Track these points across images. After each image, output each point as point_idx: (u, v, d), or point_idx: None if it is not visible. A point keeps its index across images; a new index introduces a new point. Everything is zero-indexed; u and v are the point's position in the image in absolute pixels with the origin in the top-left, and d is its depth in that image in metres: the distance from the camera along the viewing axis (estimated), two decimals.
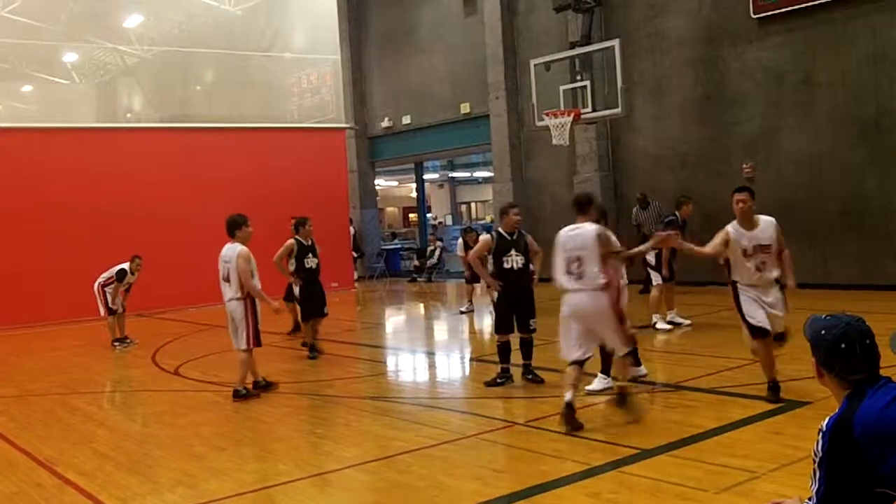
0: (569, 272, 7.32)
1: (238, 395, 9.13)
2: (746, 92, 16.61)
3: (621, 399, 7.51)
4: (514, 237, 9.32)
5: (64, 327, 17.00)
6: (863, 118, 15.03)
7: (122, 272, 13.93)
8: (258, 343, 9.42)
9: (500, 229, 9.54)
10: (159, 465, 6.95)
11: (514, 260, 9.18)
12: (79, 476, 6.64)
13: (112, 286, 13.90)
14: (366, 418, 8.22)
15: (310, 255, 12.19)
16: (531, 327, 9.20)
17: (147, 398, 10.37)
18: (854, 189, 15.19)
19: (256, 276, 9.49)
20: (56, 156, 18.31)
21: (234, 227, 9.65)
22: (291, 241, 12.25)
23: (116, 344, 13.93)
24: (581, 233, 7.40)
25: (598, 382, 8.52)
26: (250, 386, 9.47)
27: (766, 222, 7.90)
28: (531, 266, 9.38)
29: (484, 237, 9.77)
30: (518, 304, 9.18)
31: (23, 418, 9.07)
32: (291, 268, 12.29)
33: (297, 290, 12.26)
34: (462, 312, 15.86)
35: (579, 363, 7.35)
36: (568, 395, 7.06)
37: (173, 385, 10.62)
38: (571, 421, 6.95)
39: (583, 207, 7.64)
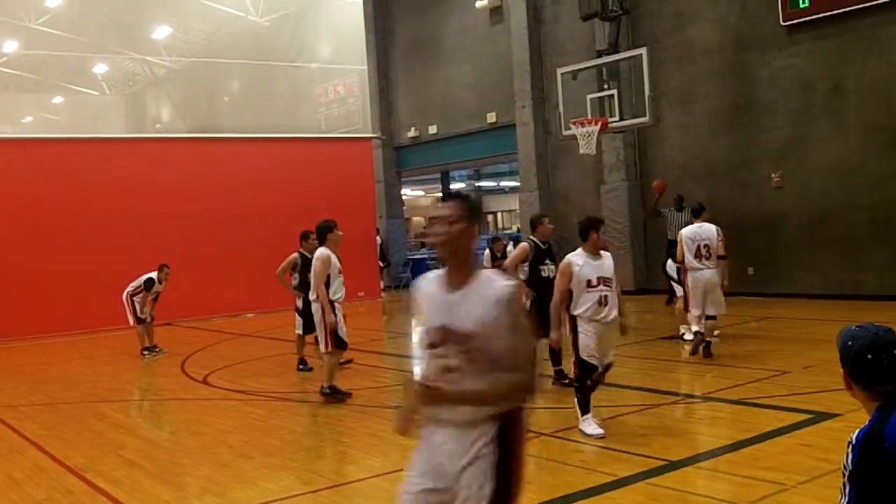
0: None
1: (323, 394, 9.33)
2: (775, 100, 16.50)
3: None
4: (547, 247, 9.52)
5: (92, 336, 17.14)
6: (893, 126, 14.88)
7: (150, 281, 14.02)
8: (339, 345, 9.44)
9: (534, 238, 9.59)
10: (187, 473, 6.98)
11: (549, 269, 9.29)
12: (108, 483, 6.69)
13: (140, 295, 14.01)
14: (392, 428, 8.22)
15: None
16: None
17: (175, 406, 10.44)
18: (884, 198, 15.03)
19: (338, 280, 9.50)
20: (85, 166, 18.50)
21: (326, 232, 9.52)
22: (295, 254, 12.16)
23: (145, 353, 14.02)
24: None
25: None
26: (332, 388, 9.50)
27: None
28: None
29: (523, 245, 9.75)
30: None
31: (53, 426, 9.15)
32: (295, 282, 12.08)
33: (299, 303, 11.91)
34: None
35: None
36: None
37: (201, 393, 10.68)
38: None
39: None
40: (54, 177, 18.07)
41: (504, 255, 14.18)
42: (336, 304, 9.42)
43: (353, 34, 24.12)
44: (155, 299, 14.28)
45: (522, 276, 9.43)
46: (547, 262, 9.37)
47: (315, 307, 9.51)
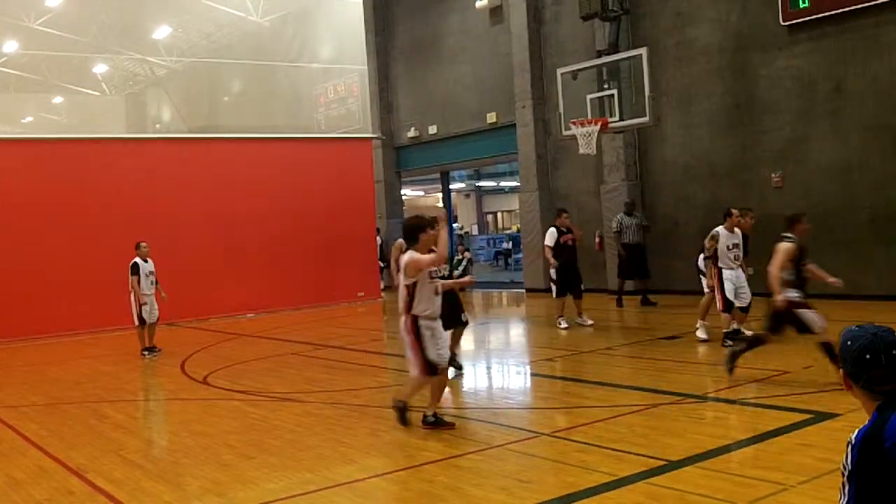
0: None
1: (426, 422, 7.79)
2: (776, 100, 16.50)
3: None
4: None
5: (93, 336, 17.16)
6: (894, 126, 14.87)
7: (134, 265, 14.04)
8: (430, 371, 7.73)
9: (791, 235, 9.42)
10: (188, 474, 6.99)
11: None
12: (109, 483, 6.70)
13: (132, 281, 13.98)
14: (392, 428, 8.22)
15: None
16: None
17: (176, 407, 10.45)
18: (885, 198, 15.03)
19: (425, 290, 7.81)
20: (85, 166, 18.52)
21: (418, 231, 7.77)
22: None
23: (145, 353, 14.04)
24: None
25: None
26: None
27: None
28: None
29: (789, 246, 9.16)
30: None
31: (54, 426, 9.16)
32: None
33: None
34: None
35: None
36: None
37: (202, 394, 10.68)
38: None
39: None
40: (54, 177, 18.09)
41: (569, 230, 14.42)
42: (427, 321, 7.80)
43: (354, 34, 24.14)
44: (154, 282, 14.21)
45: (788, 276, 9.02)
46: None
47: (401, 324, 7.82)
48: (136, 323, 14.15)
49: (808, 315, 8.56)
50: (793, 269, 8.91)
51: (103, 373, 13.04)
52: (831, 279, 9.29)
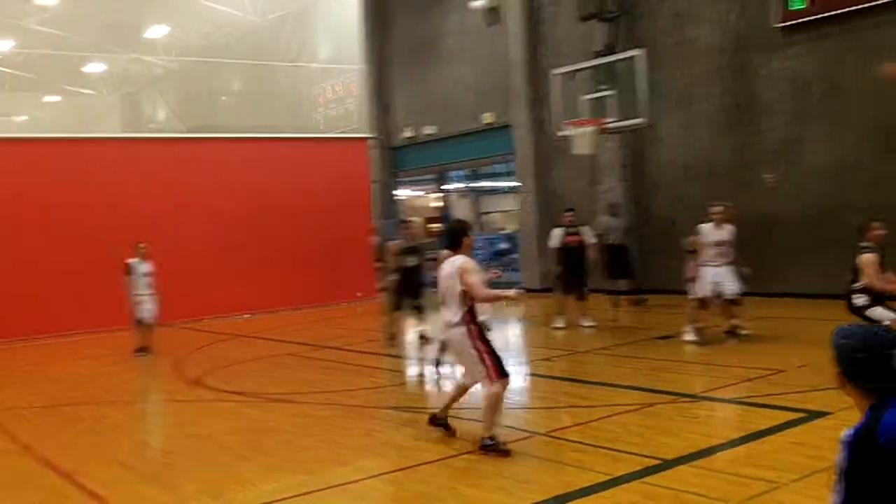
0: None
1: (483, 446, 6.94)
2: (772, 101, 16.52)
3: None
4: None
5: (90, 337, 17.13)
6: (890, 127, 14.89)
7: (128, 266, 14.08)
8: (502, 373, 7.07)
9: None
10: (183, 475, 6.99)
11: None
12: (102, 486, 6.69)
13: (126, 281, 14.03)
14: (389, 428, 8.24)
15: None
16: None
17: (171, 408, 10.45)
18: (881, 199, 15.01)
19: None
20: (82, 166, 18.49)
21: (461, 236, 7.36)
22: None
23: (138, 353, 14.04)
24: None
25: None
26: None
27: None
28: None
29: (869, 257, 9.37)
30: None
31: (49, 428, 9.16)
32: None
33: None
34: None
35: None
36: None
37: (197, 395, 10.67)
38: None
39: None
40: (50, 177, 18.04)
41: (575, 231, 14.40)
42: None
43: (352, 35, 24.14)
44: (149, 283, 14.20)
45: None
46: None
47: (455, 333, 7.18)
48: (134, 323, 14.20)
49: None
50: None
51: (100, 373, 13.04)
52: None
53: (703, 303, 11.74)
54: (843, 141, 15.53)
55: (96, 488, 6.66)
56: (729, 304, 11.63)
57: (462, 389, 7.57)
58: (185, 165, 19.77)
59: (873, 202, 15.09)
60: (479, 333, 7.11)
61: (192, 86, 25.87)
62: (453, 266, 7.15)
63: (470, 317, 7.12)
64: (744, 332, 11.76)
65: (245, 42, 24.93)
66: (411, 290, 13.44)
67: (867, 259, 9.13)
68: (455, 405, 7.63)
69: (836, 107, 15.61)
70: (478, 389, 7.23)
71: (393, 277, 13.43)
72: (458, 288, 7.06)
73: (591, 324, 14.26)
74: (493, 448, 6.85)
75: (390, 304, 13.67)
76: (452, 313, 7.14)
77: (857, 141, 15.35)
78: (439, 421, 7.57)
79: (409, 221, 14.81)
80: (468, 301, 7.08)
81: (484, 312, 7.42)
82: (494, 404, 6.98)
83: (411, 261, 13.38)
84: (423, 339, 13.58)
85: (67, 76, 26.97)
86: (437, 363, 10.61)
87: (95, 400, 10.65)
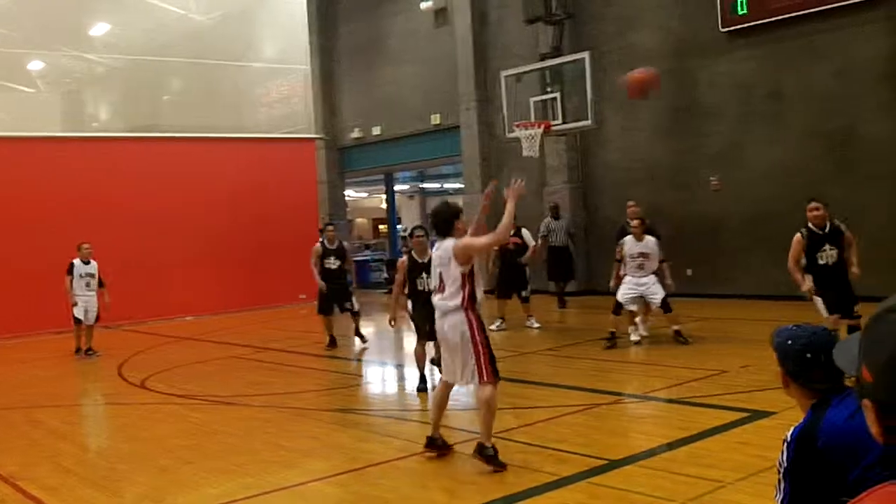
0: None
1: (484, 454, 6.39)
2: (715, 105, 16.75)
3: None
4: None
5: (26, 340, 16.78)
6: (829, 131, 15.19)
7: (70, 266, 14.02)
8: (496, 375, 6.58)
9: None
10: (125, 480, 6.87)
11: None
12: (42, 491, 6.55)
13: (67, 280, 13.99)
14: (334, 431, 8.18)
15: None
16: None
17: (112, 411, 10.27)
18: (823, 201, 15.30)
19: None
20: (20, 165, 18.11)
21: (454, 220, 6.82)
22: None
23: (79, 353, 13.85)
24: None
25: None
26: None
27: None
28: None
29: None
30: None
31: None
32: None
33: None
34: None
35: None
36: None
37: (139, 398, 10.50)
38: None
39: None
40: None
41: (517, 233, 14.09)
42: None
43: (298, 34, 23.95)
44: (91, 284, 14.09)
45: None
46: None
47: (453, 320, 6.54)
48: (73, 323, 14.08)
49: None
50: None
51: (37, 377, 12.77)
52: None
53: (617, 308, 11.89)
54: (785, 144, 15.79)
55: (38, 493, 6.51)
56: (665, 311, 11.76)
57: (446, 394, 6.96)
58: (127, 165, 19.48)
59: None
60: (479, 324, 6.52)
61: (134, 85, 25.40)
62: (445, 249, 6.61)
63: (471, 303, 6.52)
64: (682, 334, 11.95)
65: (189, 41, 24.57)
66: (335, 293, 13.36)
67: (794, 239, 9.43)
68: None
69: (778, 110, 15.87)
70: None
71: (317, 280, 13.40)
72: (457, 270, 6.48)
73: (537, 325, 14.33)
74: (494, 459, 6.32)
75: (319, 307, 13.60)
76: (450, 297, 6.52)
77: (799, 144, 15.61)
78: (437, 442, 6.86)
79: (330, 224, 14.46)
80: (466, 285, 6.48)
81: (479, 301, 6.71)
82: (494, 409, 6.47)
83: (331, 263, 13.31)
84: (362, 339, 13.51)
85: (6, 73, 26.36)
86: (436, 363, 10.28)
87: (33, 404, 10.41)
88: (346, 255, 13.81)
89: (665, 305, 11.63)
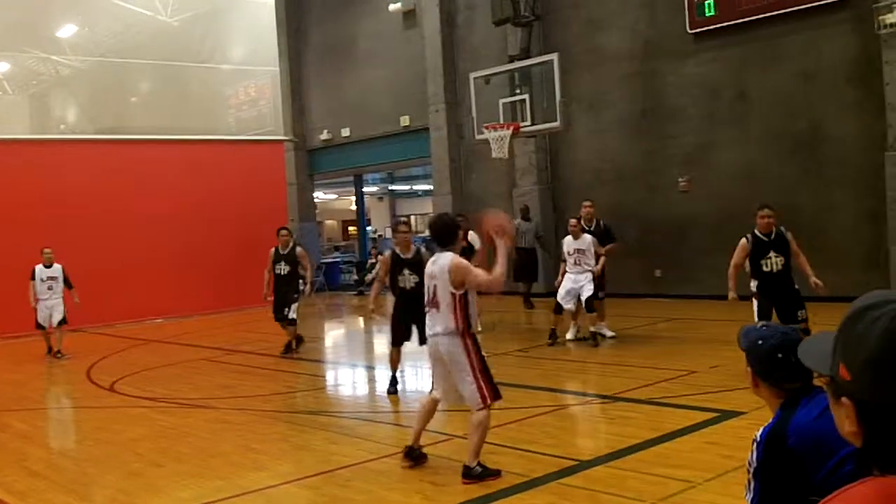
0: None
1: (472, 475, 6.16)
2: (683, 106, 16.88)
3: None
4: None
5: None
6: (795, 133, 15.36)
7: (32, 272, 14.18)
8: (496, 394, 6.33)
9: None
10: (95, 483, 6.82)
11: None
12: (10, 495, 6.48)
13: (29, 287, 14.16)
14: (305, 433, 8.16)
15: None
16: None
17: (82, 415, 10.18)
18: (787, 202, 15.44)
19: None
20: None
21: (457, 230, 6.63)
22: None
23: (55, 357, 13.83)
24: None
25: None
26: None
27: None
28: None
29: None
30: None
31: None
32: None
33: None
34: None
35: None
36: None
37: (109, 401, 10.42)
38: None
39: None
40: None
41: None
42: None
43: (266, 36, 23.88)
44: (69, 286, 14.29)
45: None
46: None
47: (448, 342, 6.28)
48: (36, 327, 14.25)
49: None
50: None
51: (4, 381, 12.63)
52: None
53: (558, 308, 12.18)
54: (752, 145, 15.95)
55: (6, 497, 6.45)
56: (587, 310, 11.99)
57: (432, 408, 6.73)
58: (95, 167, 19.29)
59: (782, 203, 15.54)
60: (475, 347, 6.25)
61: (102, 86, 25.19)
62: (439, 266, 6.25)
63: (465, 325, 6.23)
64: (608, 334, 12.40)
65: (156, 42, 24.41)
66: (279, 300, 13.10)
67: (739, 244, 9.65)
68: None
69: (744, 112, 16.03)
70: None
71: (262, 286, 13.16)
72: (449, 290, 6.18)
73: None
74: (483, 475, 6.12)
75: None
76: (442, 319, 6.23)
77: (765, 145, 15.77)
78: (415, 452, 6.66)
79: (284, 228, 13.98)
80: (460, 307, 6.21)
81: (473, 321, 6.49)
82: (487, 430, 6.24)
83: (281, 269, 13.14)
84: (288, 348, 13.24)
85: None
86: None
87: (0, 407, 10.30)
88: (301, 260, 13.28)
89: (589, 304, 11.85)
